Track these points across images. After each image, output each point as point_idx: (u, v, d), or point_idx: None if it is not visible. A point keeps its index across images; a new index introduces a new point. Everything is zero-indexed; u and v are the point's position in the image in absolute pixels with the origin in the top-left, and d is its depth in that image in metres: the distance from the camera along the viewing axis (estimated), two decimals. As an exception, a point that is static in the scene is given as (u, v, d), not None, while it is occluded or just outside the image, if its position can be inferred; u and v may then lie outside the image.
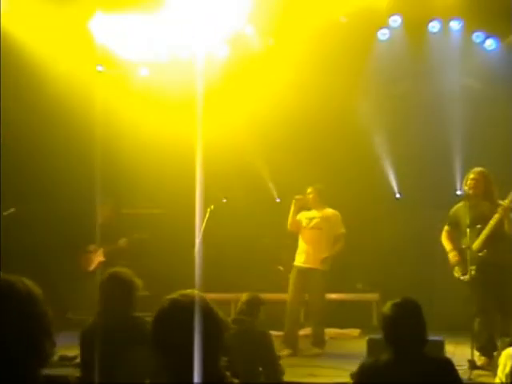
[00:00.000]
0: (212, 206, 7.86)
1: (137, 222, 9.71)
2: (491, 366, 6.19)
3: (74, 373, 4.98)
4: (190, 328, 2.13)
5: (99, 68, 10.40)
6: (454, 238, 7.05)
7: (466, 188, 6.80)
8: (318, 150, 10.22)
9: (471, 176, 6.78)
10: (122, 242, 8.84)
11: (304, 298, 8.09)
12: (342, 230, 8.06)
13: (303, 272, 7.92)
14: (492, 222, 6.58)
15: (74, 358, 6.18)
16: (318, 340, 7.88)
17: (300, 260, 8.03)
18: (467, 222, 6.59)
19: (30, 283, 2.08)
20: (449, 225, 7.11)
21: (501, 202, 6.62)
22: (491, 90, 9.74)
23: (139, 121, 10.15)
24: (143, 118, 10.19)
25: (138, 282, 4.30)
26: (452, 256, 6.95)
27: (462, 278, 6.76)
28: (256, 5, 9.19)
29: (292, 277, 8.08)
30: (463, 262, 6.74)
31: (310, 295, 8.01)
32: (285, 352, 7.51)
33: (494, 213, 6.58)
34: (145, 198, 10.40)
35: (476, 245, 6.64)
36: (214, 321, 2.26)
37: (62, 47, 9.17)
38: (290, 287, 8.02)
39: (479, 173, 6.78)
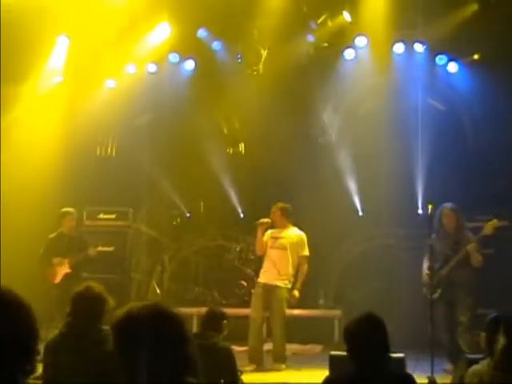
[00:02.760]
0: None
1: (100, 233, 9.60)
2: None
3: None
4: (149, 340, 2.09)
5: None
6: (432, 262, 7.44)
7: (444, 220, 7.47)
8: (283, 167, 10.28)
9: (446, 211, 7.47)
10: (91, 251, 8.74)
11: (266, 314, 8.09)
12: (306, 253, 8.05)
13: (267, 289, 7.94)
14: (459, 256, 7.37)
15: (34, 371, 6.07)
16: (280, 355, 7.88)
17: (264, 278, 8.02)
18: (443, 250, 7.45)
19: (17, 294, 2.07)
20: (427, 250, 7.49)
21: (468, 245, 7.34)
22: (453, 111, 9.95)
23: (108, 128, 10.19)
24: (110, 126, 10.24)
25: (110, 298, 4.28)
26: (424, 277, 7.50)
27: (430, 296, 7.20)
28: (225, 21, 9.33)
29: (255, 293, 8.11)
30: (432, 284, 7.26)
31: (271, 311, 7.98)
32: (250, 368, 7.50)
33: (464, 244, 7.36)
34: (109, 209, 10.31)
35: (444, 271, 7.41)
36: (175, 334, 2.18)
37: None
38: (254, 303, 8.02)
39: (451, 209, 7.50)
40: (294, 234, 8.08)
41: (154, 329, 2.12)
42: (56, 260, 8.67)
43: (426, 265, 7.46)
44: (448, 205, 7.52)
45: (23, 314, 2.01)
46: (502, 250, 8.40)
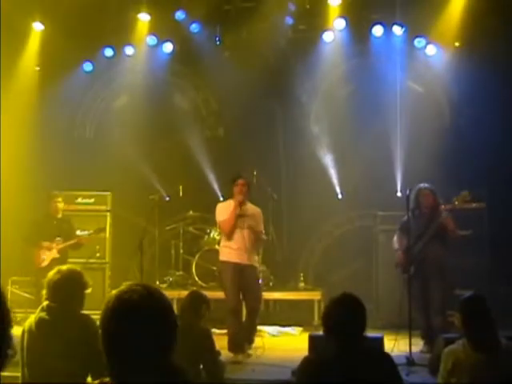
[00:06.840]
0: None
1: (78, 218, 9.55)
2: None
3: (13, 372, 4.89)
4: (140, 325, 2.04)
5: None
6: (403, 241, 7.58)
7: (421, 200, 7.48)
8: (262, 150, 10.28)
9: (423, 192, 7.50)
10: (83, 238, 8.79)
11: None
12: (262, 228, 7.77)
13: (238, 269, 7.50)
14: (432, 230, 7.38)
15: (12, 356, 6.05)
16: (253, 338, 7.63)
17: (235, 257, 7.55)
18: (417, 228, 7.41)
19: None
20: (399, 230, 7.72)
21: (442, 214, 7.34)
22: (432, 94, 9.98)
23: (88, 114, 10.12)
24: (87, 109, 10.17)
25: (87, 280, 4.27)
26: (397, 256, 7.63)
27: (403, 275, 7.37)
28: (203, 3, 9.26)
29: (229, 275, 7.52)
30: (405, 262, 7.40)
31: (250, 293, 7.58)
32: (239, 358, 7.19)
33: (438, 221, 7.36)
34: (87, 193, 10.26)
35: (417, 247, 7.38)
36: (167, 316, 2.12)
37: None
38: (231, 286, 7.51)
39: (429, 188, 7.53)
40: (254, 211, 7.71)
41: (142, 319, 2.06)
42: (46, 243, 8.67)
43: (397, 244, 7.63)
44: (425, 185, 7.55)
45: None
46: (479, 231, 8.51)
